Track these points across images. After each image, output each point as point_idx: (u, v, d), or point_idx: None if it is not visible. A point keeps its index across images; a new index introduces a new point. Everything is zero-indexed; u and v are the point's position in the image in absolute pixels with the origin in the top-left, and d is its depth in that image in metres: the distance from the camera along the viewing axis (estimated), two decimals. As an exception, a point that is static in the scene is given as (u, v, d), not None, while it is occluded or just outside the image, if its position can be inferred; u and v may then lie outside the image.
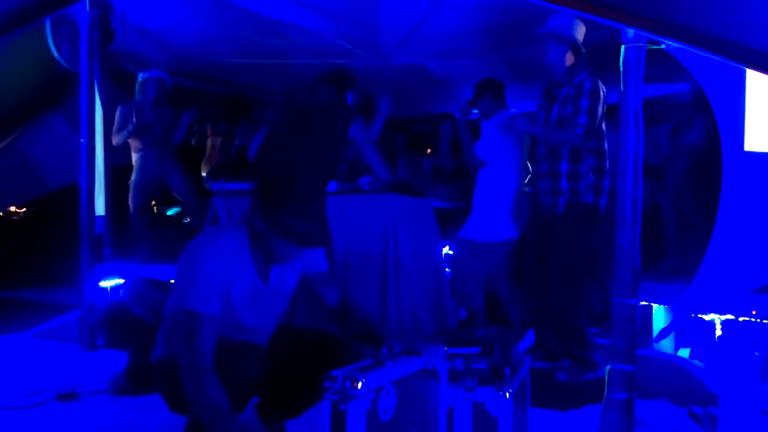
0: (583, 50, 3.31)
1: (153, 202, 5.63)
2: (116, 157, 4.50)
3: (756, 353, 2.81)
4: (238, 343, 1.94)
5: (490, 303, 3.90)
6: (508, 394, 1.85)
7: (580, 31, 3.29)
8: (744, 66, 2.14)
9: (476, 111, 3.93)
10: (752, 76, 2.85)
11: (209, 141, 5.84)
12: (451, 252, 4.36)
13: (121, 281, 4.14)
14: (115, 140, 4.45)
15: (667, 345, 3.50)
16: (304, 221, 1.86)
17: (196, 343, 1.78)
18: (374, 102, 4.14)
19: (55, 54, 4.40)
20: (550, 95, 3.37)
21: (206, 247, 1.90)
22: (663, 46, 2.31)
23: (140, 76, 4.62)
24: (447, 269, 4.03)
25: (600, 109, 3.17)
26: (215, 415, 1.73)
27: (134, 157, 4.66)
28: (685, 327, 3.42)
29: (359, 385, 1.41)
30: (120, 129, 4.44)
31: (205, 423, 1.76)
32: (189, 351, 1.78)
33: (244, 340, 1.99)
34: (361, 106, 3.81)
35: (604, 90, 3.21)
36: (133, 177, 4.62)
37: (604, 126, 3.25)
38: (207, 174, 5.04)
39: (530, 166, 3.85)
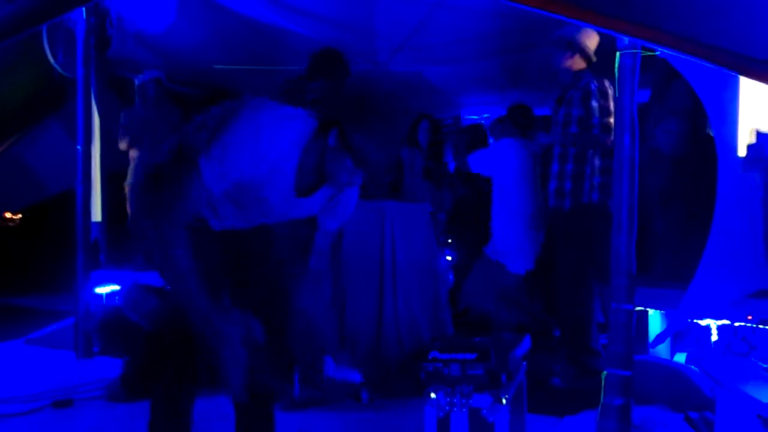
0: (594, 59, 3.33)
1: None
2: (112, 164, 4.50)
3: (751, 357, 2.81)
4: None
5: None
6: (504, 400, 1.86)
7: (588, 38, 3.30)
8: (737, 73, 2.16)
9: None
10: (746, 83, 2.88)
11: None
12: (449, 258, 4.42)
13: (117, 288, 4.13)
14: (122, 145, 4.45)
15: (663, 350, 3.51)
16: (377, 148, 1.72)
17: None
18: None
19: (52, 61, 4.40)
20: (559, 100, 3.40)
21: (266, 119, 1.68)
22: (657, 53, 2.33)
23: (137, 80, 4.62)
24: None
25: (611, 107, 3.18)
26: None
27: (132, 160, 4.64)
28: (682, 332, 3.42)
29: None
30: (125, 133, 4.45)
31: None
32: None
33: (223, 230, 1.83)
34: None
35: (612, 89, 3.22)
36: (130, 180, 4.61)
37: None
38: None
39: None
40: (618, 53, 2.35)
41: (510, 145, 3.93)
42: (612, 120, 3.17)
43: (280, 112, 1.74)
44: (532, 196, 3.86)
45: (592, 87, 3.21)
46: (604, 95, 3.20)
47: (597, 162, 3.25)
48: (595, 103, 3.19)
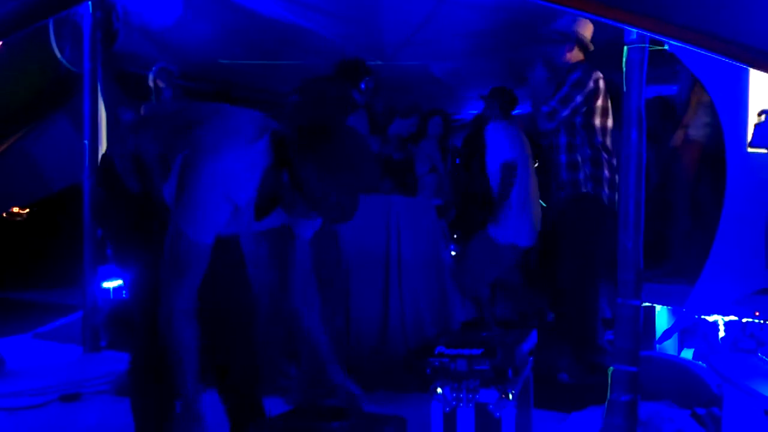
0: (591, 48, 3.31)
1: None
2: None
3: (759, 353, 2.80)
4: None
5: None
6: (511, 395, 1.86)
7: (584, 28, 3.29)
8: (747, 66, 2.14)
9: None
10: (755, 76, 2.86)
11: None
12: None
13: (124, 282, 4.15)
14: None
15: (670, 346, 3.50)
16: (341, 192, 1.65)
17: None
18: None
19: (58, 55, 4.41)
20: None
21: (214, 162, 1.68)
22: (666, 47, 2.31)
23: (149, 76, 4.61)
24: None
25: (578, 99, 3.18)
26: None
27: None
28: (689, 328, 3.41)
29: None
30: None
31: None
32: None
33: None
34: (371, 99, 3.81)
35: (597, 83, 3.21)
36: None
37: (597, 120, 3.26)
38: None
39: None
40: (625, 48, 2.33)
41: (497, 128, 3.88)
42: (567, 113, 3.18)
43: (246, 152, 1.73)
44: (529, 174, 3.80)
45: (572, 77, 3.21)
46: (578, 86, 3.19)
47: (587, 152, 3.26)
48: (564, 89, 3.19)
